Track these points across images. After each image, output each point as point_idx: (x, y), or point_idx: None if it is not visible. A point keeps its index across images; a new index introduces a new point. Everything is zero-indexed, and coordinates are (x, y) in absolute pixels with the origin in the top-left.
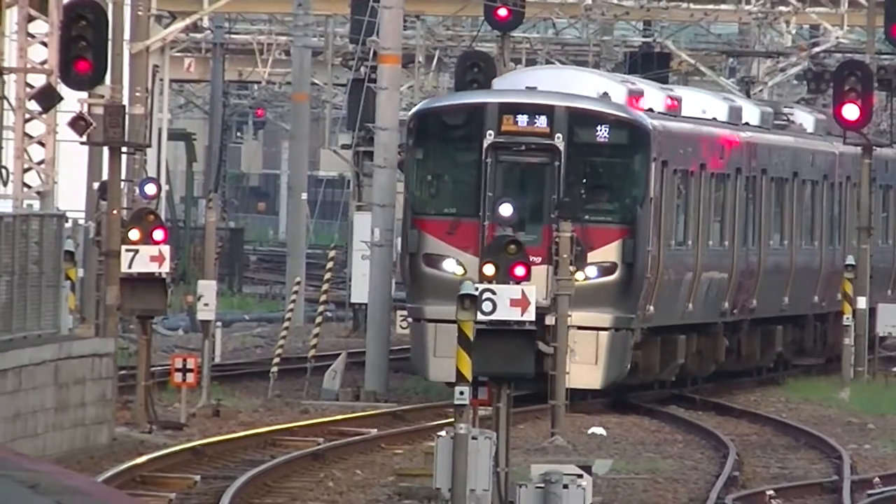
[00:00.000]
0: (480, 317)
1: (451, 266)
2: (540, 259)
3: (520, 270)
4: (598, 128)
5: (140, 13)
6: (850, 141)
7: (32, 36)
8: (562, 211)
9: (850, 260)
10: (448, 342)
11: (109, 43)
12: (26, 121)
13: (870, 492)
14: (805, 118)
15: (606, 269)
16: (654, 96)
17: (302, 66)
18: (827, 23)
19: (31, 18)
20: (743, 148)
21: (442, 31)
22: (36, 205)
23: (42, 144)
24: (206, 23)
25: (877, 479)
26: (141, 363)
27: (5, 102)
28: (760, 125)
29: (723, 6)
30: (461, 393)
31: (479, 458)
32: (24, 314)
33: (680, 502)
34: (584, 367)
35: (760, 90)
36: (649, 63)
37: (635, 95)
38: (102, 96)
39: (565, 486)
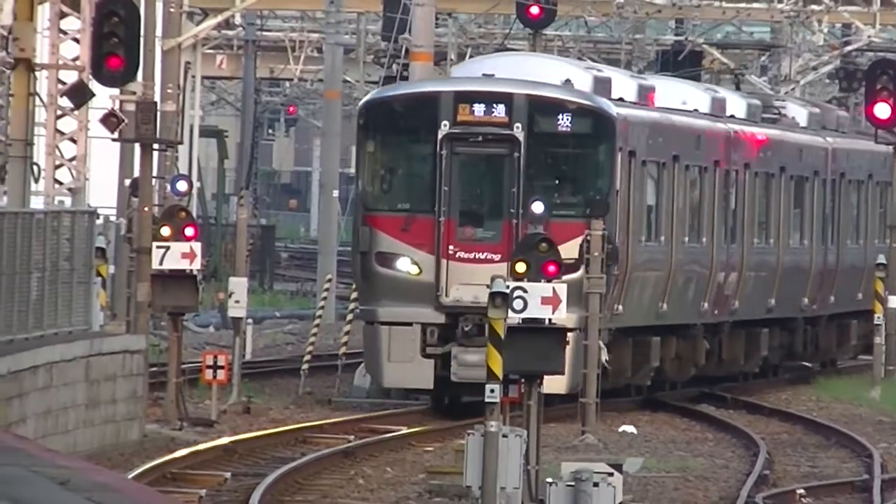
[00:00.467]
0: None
1: (405, 265)
2: (499, 257)
3: (552, 268)
4: (560, 116)
5: (172, 10)
6: (881, 140)
7: (64, 32)
8: (593, 210)
9: (882, 259)
10: (403, 346)
11: (141, 39)
12: (58, 117)
13: None
14: (798, 112)
15: (569, 267)
16: (625, 85)
17: (334, 63)
18: (859, 22)
19: (63, 15)
20: (723, 140)
21: (474, 28)
22: (67, 201)
23: (74, 141)
24: (237, 20)
25: None
26: (172, 360)
27: (37, 99)
28: (746, 118)
29: (755, 5)
30: (492, 391)
31: (510, 456)
32: (55, 311)
33: (710, 501)
34: None
35: (793, 88)
36: (681, 61)
37: (602, 83)
38: (134, 93)
39: (596, 485)
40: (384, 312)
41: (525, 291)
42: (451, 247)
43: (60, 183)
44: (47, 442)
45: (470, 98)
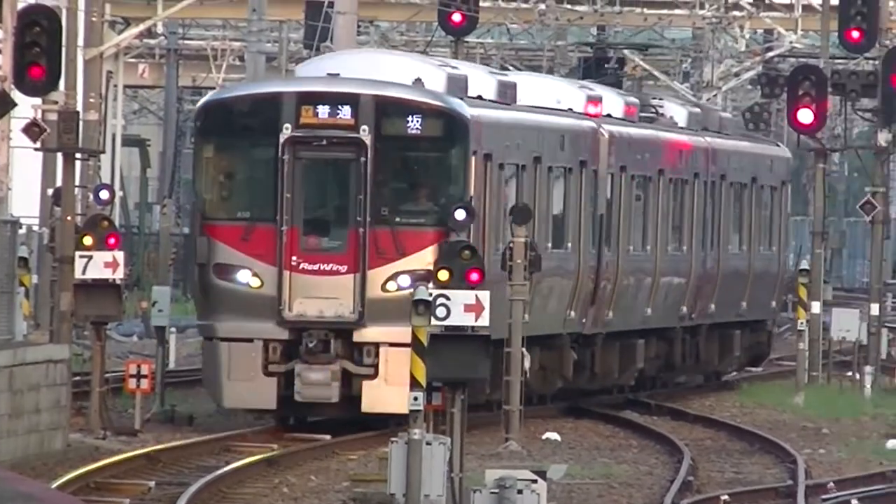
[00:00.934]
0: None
1: (245, 277)
2: (346, 268)
3: (475, 276)
4: (409, 118)
5: (94, 19)
6: (804, 146)
7: None
8: (516, 217)
9: (805, 265)
10: (244, 364)
11: (63, 49)
12: None
13: (824, 496)
14: (677, 111)
15: (420, 278)
16: (483, 82)
17: (256, 71)
18: (781, 27)
19: None
20: (591, 140)
21: (396, 36)
22: None
23: None
24: (160, 28)
25: (831, 484)
26: (95, 369)
27: None
28: (624, 117)
29: (677, 11)
30: (415, 398)
31: (434, 464)
32: None
33: None
34: (399, 390)
35: (715, 94)
36: (603, 68)
37: (457, 81)
38: (56, 102)
39: (520, 492)
40: (223, 328)
41: (448, 299)
42: (294, 258)
43: None
44: None
45: (314, 99)
